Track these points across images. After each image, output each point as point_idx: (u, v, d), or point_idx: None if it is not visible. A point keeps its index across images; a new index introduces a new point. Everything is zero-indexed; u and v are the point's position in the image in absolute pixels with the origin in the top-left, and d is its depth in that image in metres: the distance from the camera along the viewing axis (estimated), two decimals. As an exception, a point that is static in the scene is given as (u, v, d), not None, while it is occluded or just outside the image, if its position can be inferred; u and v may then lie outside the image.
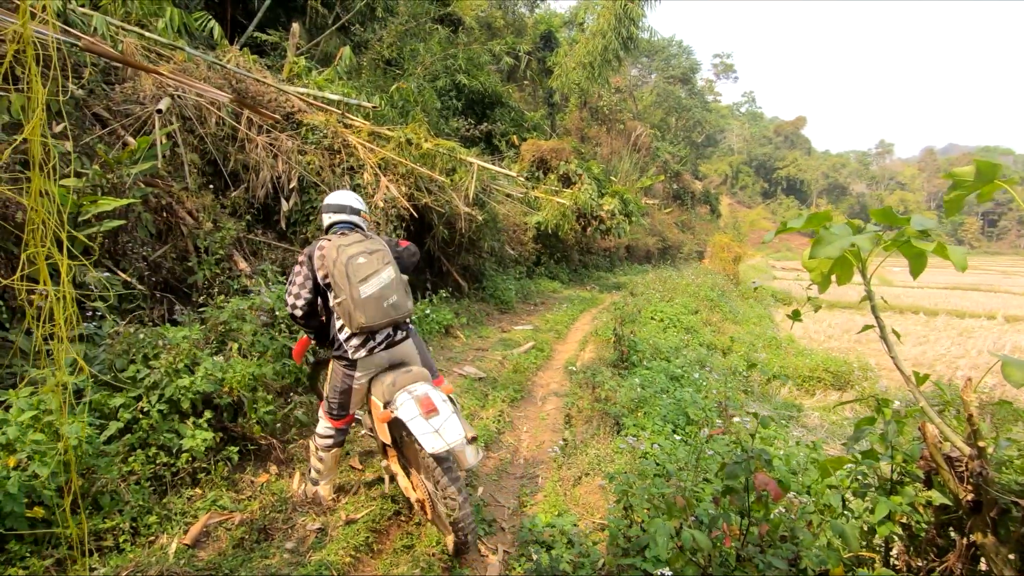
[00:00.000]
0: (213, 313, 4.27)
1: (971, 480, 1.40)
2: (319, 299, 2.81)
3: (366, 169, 6.92)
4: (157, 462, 2.95)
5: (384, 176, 7.06)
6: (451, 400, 2.65)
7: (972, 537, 1.48)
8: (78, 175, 4.13)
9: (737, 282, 19.90)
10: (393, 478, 3.11)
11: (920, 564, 1.71)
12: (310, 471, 3.11)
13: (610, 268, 19.64)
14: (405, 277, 2.81)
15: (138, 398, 3.09)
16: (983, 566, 1.54)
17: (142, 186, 4.62)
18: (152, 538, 2.64)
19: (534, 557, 2.70)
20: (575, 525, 3.04)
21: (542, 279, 13.76)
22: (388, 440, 2.71)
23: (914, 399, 1.57)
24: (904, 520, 1.79)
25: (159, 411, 3.04)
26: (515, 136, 15.69)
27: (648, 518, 2.02)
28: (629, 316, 8.87)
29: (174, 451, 3.02)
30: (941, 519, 1.61)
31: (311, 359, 3.53)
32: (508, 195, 11.86)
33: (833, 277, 1.68)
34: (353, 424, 3.18)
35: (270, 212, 6.35)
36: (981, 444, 1.36)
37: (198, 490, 3.03)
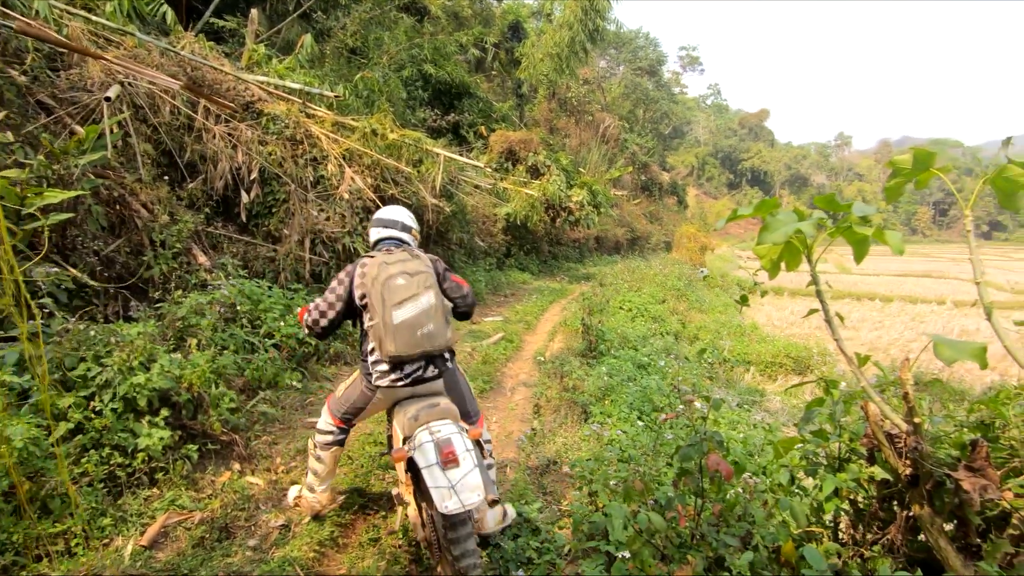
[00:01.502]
0: (170, 308, 4.15)
1: (909, 455, 1.47)
2: (354, 320, 2.60)
3: (330, 160, 6.79)
4: (111, 463, 2.86)
5: (349, 167, 6.94)
6: (479, 447, 2.39)
7: (911, 509, 1.55)
8: (21, 166, 3.93)
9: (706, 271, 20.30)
10: (402, 503, 2.65)
11: (865, 537, 1.79)
12: (307, 475, 2.83)
13: (580, 259, 19.79)
14: (449, 304, 2.57)
15: (89, 397, 2.98)
16: (922, 537, 1.62)
17: (92, 177, 4.43)
18: (106, 541, 2.56)
19: (501, 545, 2.72)
20: (541, 512, 3.07)
21: (512, 270, 13.77)
22: (403, 472, 2.44)
23: (857, 380, 1.64)
24: (851, 496, 1.87)
25: (112, 410, 2.94)
26: (483, 127, 15.60)
27: (609, 503, 2.05)
28: (598, 306, 8.97)
29: (129, 451, 2.93)
30: (883, 493, 1.69)
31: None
32: (476, 186, 11.81)
33: (783, 264, 1.74)
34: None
35: (230, 204, 6.18)
36: (916, 420, 1.43)
37: (155, 490, 2.95)
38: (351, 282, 2.49)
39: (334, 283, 2.53)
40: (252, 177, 6.10)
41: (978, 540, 1.51)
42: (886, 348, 12.35)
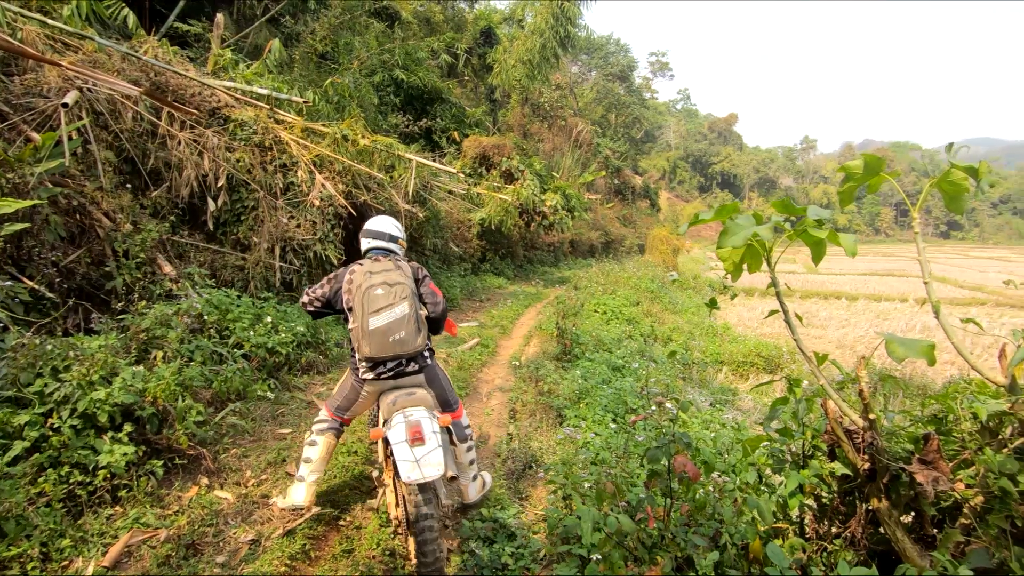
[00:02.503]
0: (134, 320, 4.03)
1: (866, 450, 1.52)
2: (345, 320, 2.84)
3: (300, 166, 6.70)
4: (71, 481, 2.75)
5: (320, 173, 6.86)
6: (448, 432, 2.74)
7: (870, 503, 1.60)
8: (-29, 175, 3.79)
9: (678, 274, 20.61)
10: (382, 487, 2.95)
11: (829, 531, 1.84)
12: (300, 465, 2.94)
13: (555, 263, 19.88)
14: (423, 312, 2.85)
15: (47, 414, 2.87)
16: (882, 529, 1.67)
17: (49, 186, 4.29)
18: (66, 563, 2.47)
19: (476, 552, 2.71)
20: (517, 518, 3.07)
21: (487, 275, 13.77)
22: (383, 455, 2.66)
23: (820, 379, 1.68)
24: (815, 492, 1.91)
25: (72, 427, 2.84)
26: (456, 132, 15.59)
27: (580, 506, 2.06)
28: (572, 310, 9.02)
29: (90, 469, 2.83)
30: (844, 488, 1.74)
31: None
32: (450, 192, 11.78)
33: (745, 266, 1.77)
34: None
35: (197, 212, 6.04)
36: (872, 416, 1.48)
37: (118, 508, 2.85)
38: (338, 287, 2.81)
39: (324, 280, 2.86)
40: (219, 184, 5.98)
41: (933, 531, 1.57)
42: (852, 345, 12.70)
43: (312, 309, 2.89)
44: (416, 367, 2.80)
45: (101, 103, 5.18)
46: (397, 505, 2.67)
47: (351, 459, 3.66)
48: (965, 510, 1.44)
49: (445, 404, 2.93)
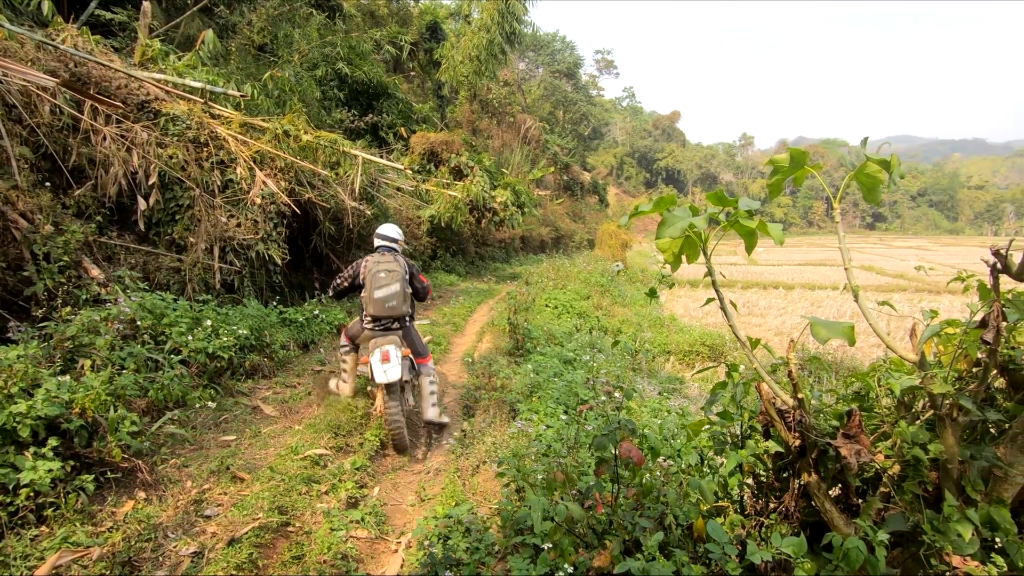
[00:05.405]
0: (58, 328, 3.77)
1: (796, 428, 1.61)
2: (357, 292, 4.38)
3: (239, 163, 6.43)
4: (-11, 503, 2.56)
5: (260, 170, 6.61)
6: (409, 359, 4.27)
7: (801, 478, 1.70)
8: None
9: (625, 267, 21.08)
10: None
11: (767, 506, 1.94)
12: (339, 372, 4.75)
13: (506, 259, 19.94)
14: (410, 291, 4.33)
15: (-41, 432, 2.66)
16: (814, 503, 1.77)
17: (-46, 185, 3.95)
18: (-15, 589, 2.30)
19: (431, 550, 2.69)
20: (472, 513, 3.07)
21: (439, 273, 13.66)
22: (370, 375, 4.15)
23: (754, 363, 1.77)
24: (753, 470, 2.01)
25: (-12, 444, 2.64)
26: (403, 128, 15.35)
27: (530, 496, 2.09)
28: (524, 305, 9.08)
29: (11, 488, 2.63)
30: (778, 465, 1.84)
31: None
32: (398, 189, 11.61)
33: (684, 257, 1.84)
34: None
35: (126, 212, 5.71)
36: (800, 396, 1.57)
37: (44, 528, 2.67)
38: (358, 269, 4.28)
39: (348, 268, 4.39)
40: (151, 182, 5.67)
41: (858, 500, 1.68)
42: (790, 332, 13.36)
43: (342, 288, 4.38)
44: (398, 326, 4.30)
45: (13, 95, 4.81)
46: (379, 407, 4.25)
47: (301, 463, 3.57)
48: (884, 479, 1.55)
49: (417, 353, 4.39)
